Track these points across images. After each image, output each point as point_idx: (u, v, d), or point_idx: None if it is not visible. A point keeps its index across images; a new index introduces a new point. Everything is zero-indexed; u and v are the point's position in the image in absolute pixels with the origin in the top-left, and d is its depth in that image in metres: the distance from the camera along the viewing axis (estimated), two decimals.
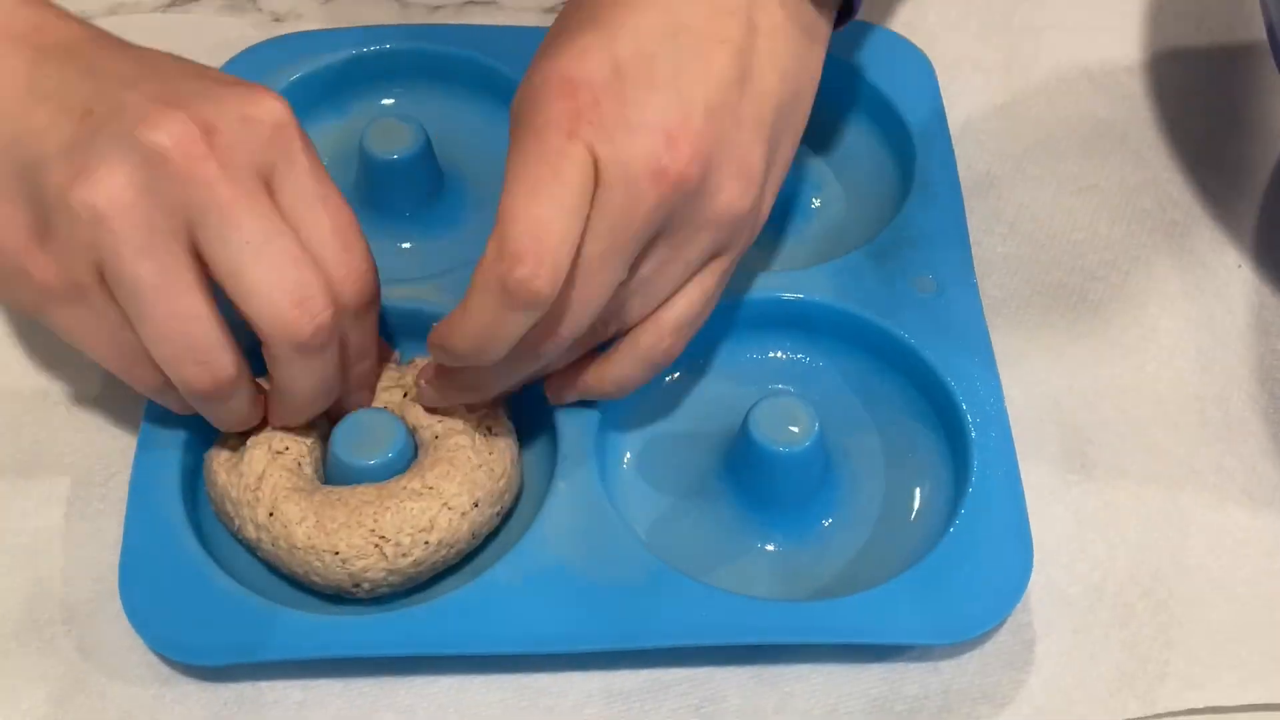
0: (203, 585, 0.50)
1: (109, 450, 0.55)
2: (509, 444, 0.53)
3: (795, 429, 0.51)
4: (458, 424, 0.53)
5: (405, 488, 0.51)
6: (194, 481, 0.53)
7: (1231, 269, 0.60)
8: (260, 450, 0.52)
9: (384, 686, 0.50)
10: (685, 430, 0.55)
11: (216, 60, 0.64)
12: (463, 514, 0.51)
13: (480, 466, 0.52)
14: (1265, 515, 0.54)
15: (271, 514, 0.50)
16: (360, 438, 0.52)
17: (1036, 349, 0.58)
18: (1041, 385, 0.57)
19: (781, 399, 0.52)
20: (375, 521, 0.50)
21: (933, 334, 0.55)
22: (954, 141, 0.62)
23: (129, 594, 0.50)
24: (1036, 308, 0.59)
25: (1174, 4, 0.69)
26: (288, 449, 0.52)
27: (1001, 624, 0.51)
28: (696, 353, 0.56)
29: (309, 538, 0.50)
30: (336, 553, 0.50)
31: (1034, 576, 0.51)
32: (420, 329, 0.55)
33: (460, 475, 0.51)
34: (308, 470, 0.52)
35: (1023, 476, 0.54)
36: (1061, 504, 0.54)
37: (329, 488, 0.52)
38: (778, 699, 0.50)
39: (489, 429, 0.53)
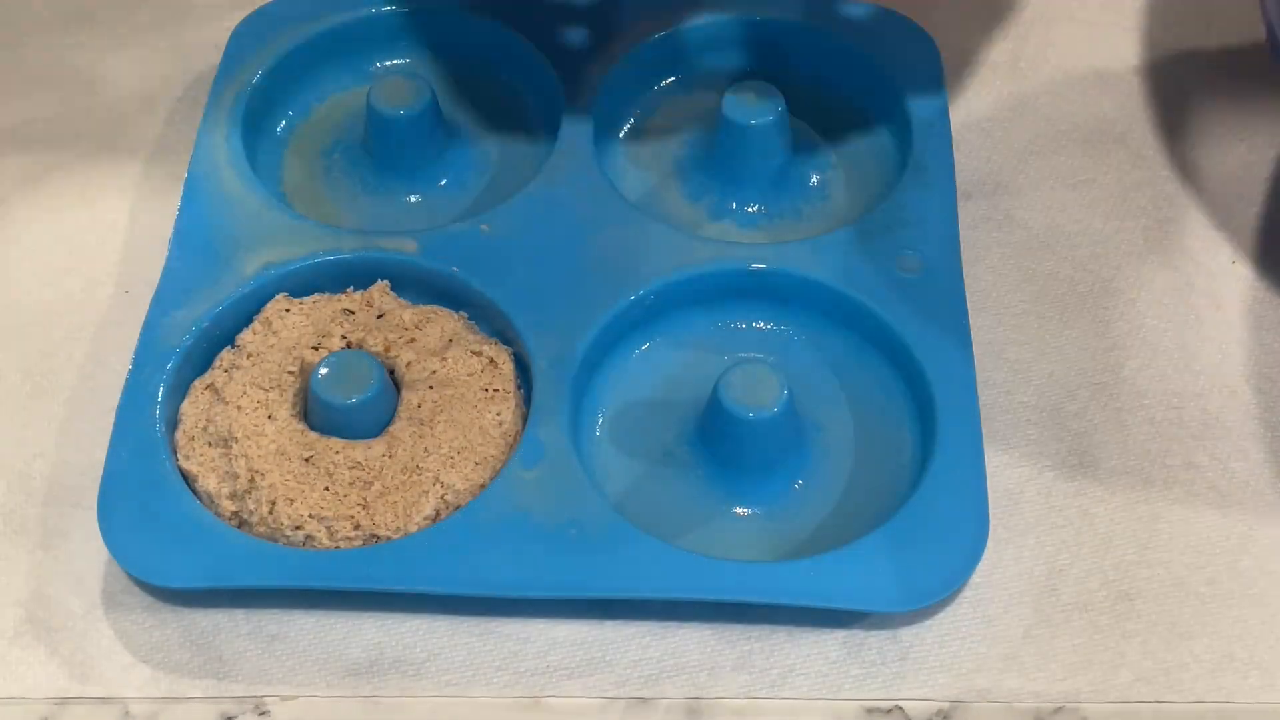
0: (178, 511, 0.51)
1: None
2: (507, 403, 0.54)
3: (765, 395, 0.52)
4: (434, 362, 0.54)
5: (399, 461, 0.52)
6: (177, 410, 0.54)
7: (1225, 265, 0.61)
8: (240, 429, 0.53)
9: (354, 624, 0.51)
10: (659, 398, 0.56)
11: (230, 20, 0.66)
12: (462, 487, 0.52)
13: (474, 426, 0.53)
14: (1233, 514, 0.54)
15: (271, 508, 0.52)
16: (339, 378, 0.53)
17: (1023, 335, 0.59)
18: (1024, 371, 0.58)
19: (752, 366, 0.53)
20: (371, 520, 0.51)
21: (911, 313, 0.55)
22: (958, 130, 0.63)
23: (106, 518, 0.51)
24: (1025, 295, 0.60)
25: (1184, 3, 0.70)
26: (258, 405, 0.53)
27: (955, 596, 0.51)
28: (672, 322, 0.57)
29: (295, 529, 0.51)
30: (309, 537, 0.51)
31: (999, 554, 0.52)
32: (426, 282, 0.57)
33: (459, 438, 0.52)
34: (282, 412, 0.53)
35: (998, 457, 0.55)
36: (1033, 486, 0.54)
37: (311, 447, 0.52)
38: (736, 656, 0.50)
39: (485, 389, 0.54)
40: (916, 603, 0.50)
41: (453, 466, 0.52)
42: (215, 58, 0.65)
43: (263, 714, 0.50)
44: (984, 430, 0.54)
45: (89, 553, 0.52)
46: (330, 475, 0.52)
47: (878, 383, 0.56)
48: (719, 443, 0.53)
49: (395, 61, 0.66)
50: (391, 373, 0.55)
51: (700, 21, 0.65)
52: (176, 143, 0.64)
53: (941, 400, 0.53)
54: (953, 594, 0.51)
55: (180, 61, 0.68)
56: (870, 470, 0.54)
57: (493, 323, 0.57)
